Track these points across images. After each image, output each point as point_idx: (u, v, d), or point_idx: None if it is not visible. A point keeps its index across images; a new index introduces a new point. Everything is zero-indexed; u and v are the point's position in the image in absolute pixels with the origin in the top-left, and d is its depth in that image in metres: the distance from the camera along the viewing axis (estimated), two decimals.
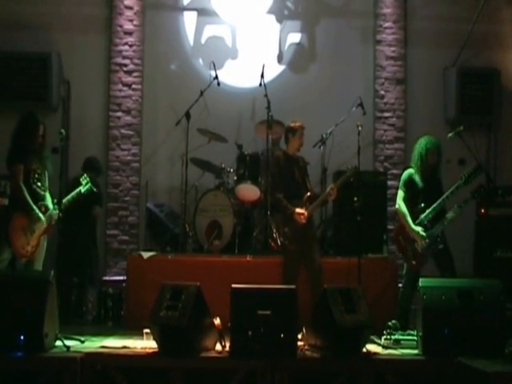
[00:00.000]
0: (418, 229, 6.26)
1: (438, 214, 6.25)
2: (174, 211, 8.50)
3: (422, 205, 6.31)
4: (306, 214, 6.47)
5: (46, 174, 6.13)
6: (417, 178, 6.41)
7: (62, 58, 8.81)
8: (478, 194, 6.17)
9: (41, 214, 5.93)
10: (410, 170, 6.50)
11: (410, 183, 6.45)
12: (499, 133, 9.17)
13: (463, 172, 6.22)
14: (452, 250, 8.30)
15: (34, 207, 5.89)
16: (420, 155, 6.43)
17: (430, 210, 6.26)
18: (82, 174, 7.77)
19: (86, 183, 6.30)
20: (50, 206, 6.06)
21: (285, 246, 6.58)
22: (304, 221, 6.47)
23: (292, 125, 6.69)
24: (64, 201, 6.09)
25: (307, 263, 6.52)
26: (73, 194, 6.24)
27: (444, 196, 6.22)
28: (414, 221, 6.30)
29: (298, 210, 6.47)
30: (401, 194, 6.45)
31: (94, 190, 6.55)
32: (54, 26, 8.92)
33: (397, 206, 6.44)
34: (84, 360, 4.97)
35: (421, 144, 6.49)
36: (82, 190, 6.28)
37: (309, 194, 6.67)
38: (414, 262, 6.31)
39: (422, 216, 6.29)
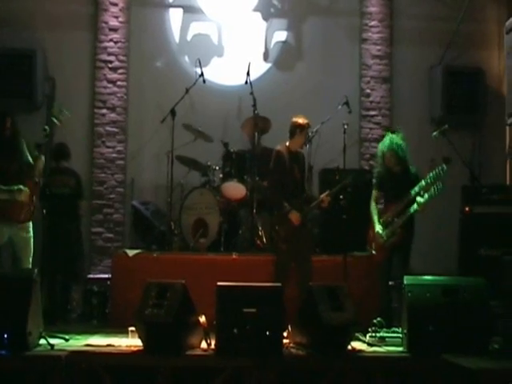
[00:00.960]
0: (378, 228, 6.49)
1: (405, 209, 6.36)
2: (159, 209, 8.47)
3: (394, 202, 6.43)
4: (299, 218, 6.45)
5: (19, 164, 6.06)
6: (384, 177, 6.56)
7: (46, 55, 8.77)
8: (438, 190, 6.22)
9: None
10: (379, 170, 6.66)
11: (378, 183, 6.65)
12: (484, 131, 9.23)
13: (428, 174, 6.25)
14: (437, 247, 8.39)
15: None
16: (379, 157, 6.61)
17: (396, 207, 6.39)
18: (56, 165, 7.69)
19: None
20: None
21: (277, 245, 6.54)
22: (298, 223, 6.44)
23: (301, 121, 6.56)
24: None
25: (298, 263, 6.48)
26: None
27: (406, 198, 6.31)
28: (385, 215, 6.48)
29: (294, 212, 6.44)
30: (373, 193, 6.70)
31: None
32: (39, 22, 8.88)
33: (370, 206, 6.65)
34: (69, 358, 4.94)
35: (379, 146, 6.69)
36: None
37: (305, 195, 6.66)
38: (374, 252, 6.55)
39: (391, 212, 6.44)
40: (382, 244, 6.44)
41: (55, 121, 6.35)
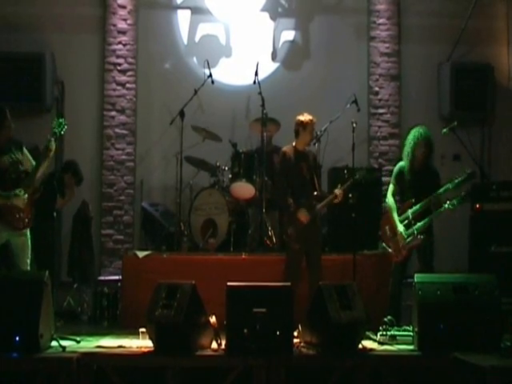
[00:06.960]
0: (401, 229, 6.32)
1: (425, 211, 6.26)
2: (168, 210, 8.49)
3: (413, 200, 6.32)
4: (307, 216, 6.44)
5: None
6: (407, 172, 6.43)
7: (55, 58, 8.78)
8: (465, 199, 6.17)
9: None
10: (401, 163, 6.54)
11: (399, 177, 6.49)
12: (493, 128, 9.18)
13: (456, 176, 6.23)
14: (447, 245, 8.33)
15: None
16: (409, 148, 6.45)
17: (416, 207, 6.28)
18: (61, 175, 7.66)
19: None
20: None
21: (289, 245, 6.54)
22: (306, 221, 6.42)
23: (303, 119, 6.56)
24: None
25: (309, 263, 6.48)
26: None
27: (431, 196, 6.22)
28: (402, 214, 6.35)
29: (301, 211, 6.43)
30: (391, 187, 6.53)
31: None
32: (48, 26, 8.90)
33: (386, 200, 6.50)
34: (80, 360, 4.97)
35: (410, 136, 6.51)
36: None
37: (316, 193, 6.63)
38: (394, 253, 6.39)
39: (409, 211, 6.30)
40: (402, 246, 6.30)
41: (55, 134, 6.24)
